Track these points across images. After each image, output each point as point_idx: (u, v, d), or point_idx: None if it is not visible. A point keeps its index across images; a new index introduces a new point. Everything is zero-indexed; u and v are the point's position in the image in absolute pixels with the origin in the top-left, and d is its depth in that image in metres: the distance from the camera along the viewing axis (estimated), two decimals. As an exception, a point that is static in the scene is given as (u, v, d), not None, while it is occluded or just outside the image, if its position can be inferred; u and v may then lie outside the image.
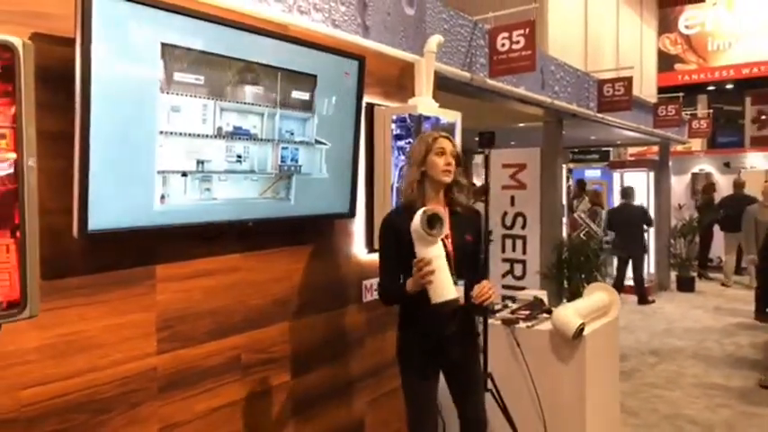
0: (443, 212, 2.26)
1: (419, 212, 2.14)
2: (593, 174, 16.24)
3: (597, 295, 3.67)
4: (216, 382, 2.44)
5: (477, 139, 3.06)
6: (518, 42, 4.02)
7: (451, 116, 3.30)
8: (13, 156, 1.54)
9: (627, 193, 8.65)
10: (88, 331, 2.00)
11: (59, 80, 1.86)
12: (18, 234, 1.57)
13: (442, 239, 2.25)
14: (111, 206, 1.94)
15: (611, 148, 13.64)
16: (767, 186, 7.59)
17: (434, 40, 3.36)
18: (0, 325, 1.58)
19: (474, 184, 10.41)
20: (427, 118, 3.14)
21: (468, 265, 2.41)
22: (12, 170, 1.55)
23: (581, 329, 3.12)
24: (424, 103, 3.18)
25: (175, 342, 2.28)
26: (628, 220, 8.39)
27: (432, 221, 2.10)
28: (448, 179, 2.37)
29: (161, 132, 2.06)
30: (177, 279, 2.28)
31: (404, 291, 2.27)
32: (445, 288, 2.14)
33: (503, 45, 4.10)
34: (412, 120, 3.09)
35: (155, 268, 2.21)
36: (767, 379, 5.04)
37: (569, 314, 3.19)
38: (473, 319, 2.59)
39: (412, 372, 2.43)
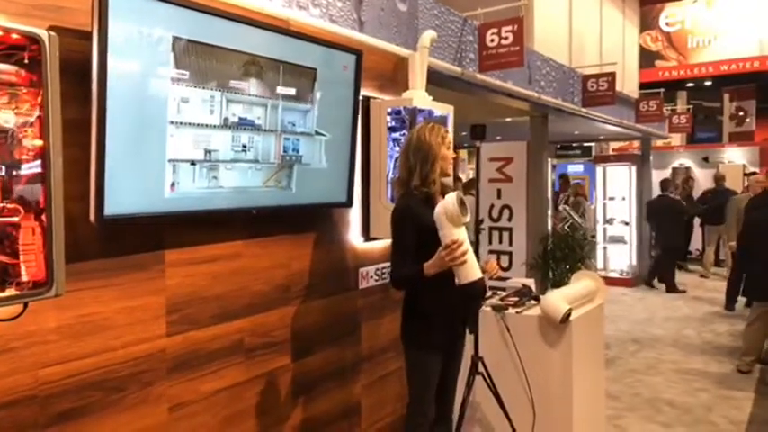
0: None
1: (452, 196, 2.26)
2: (575, 168, 16.52)
3: (584, 282, 3.81)
4: (221, 365, 2.53)
5: (464, 133, 3.19)
6: (507, 38, 4.15)
7: (444, 109, 3.41)
8: (40, 143, 1.63)
9: (664, 185, 8.97)
10: (103, 313, 2.08)
11: (75, 72, 1.92)
12: (43, 217, 1.66)
13: None
14: (125, 193, 2.02)
15: (592, 144, 13.89)
16: (753, 179, 7.85)
17: (428, 36, 3.47)
18: (27, 303, 1.67)
19: (460, 179, 10.56)
20: (421, 111, 3.25)
21: None
22: (38, 157, 1.63)
23: (568, 314, 3.26)
24: (419, 96, 3.29)
25: (184, 325, 2.37)
26: (661, 213, 8.69)
27: (462, 205, 2.23)
28: (451, 170, 2.54)
29: (171, 122, 2.15)
30: (185, 264, 2.37)
31: (420, 274, 2.37)
32: (475, 268, 2.29)
33: (492, 41, 4.22)
34: (407, 112, 3.20)
35: (164, 253, 2.29)
36: (744, 364, 5.25)
37: (557, 299, 3.33)
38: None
39: (418, 346, 2.56)
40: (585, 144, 14.36)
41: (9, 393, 1.85)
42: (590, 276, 3.88)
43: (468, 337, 2.94)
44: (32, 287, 1.64)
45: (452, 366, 2.71)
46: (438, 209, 2.29)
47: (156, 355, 2.26)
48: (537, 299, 3.60)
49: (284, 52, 2.56)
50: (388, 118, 3.23)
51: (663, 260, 8.96)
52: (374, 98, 3.32)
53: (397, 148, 3.26)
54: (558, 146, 15.41)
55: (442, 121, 3.37)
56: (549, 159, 8.09)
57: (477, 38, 4.33)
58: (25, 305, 1.66)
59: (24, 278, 1.61)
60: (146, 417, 2.24)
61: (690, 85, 15.25)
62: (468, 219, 2.28)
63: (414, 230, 2.41)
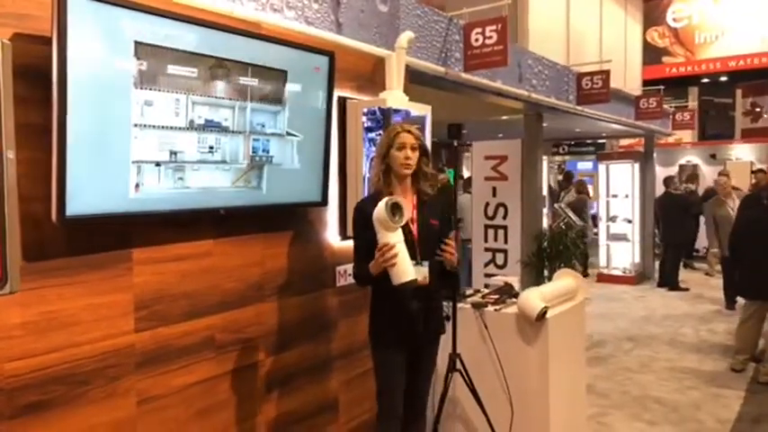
0: (405, 201, 2.44)
1: (382, 202, 2.34)
2: (585, 166, 16.41)
3: (564, 280, 3.83)
4: (191, 360, 2.60)
5: (464, 131, 3.22)
6: (491, 38, 4.17)
7: (421, 109, 3.45)
8: (-6, 146, 1.69)
9: (667, 181, 8.97)
10: (68, 310, 2.15)
11: (41, 77, 1.99)
12: (-1, 218, 1.72)
13: (406, 224, 2.48)
14: (87, 193, 2.09)
15: (605, 141, 13.81)
16: (719, 180, 7.80)
17: (405, 37, 3.50)
18: (-17, 300, 1.74)
19: (461, 177, 10.57)
20: (397, 111, 3.29)
21: (435, 247, 2.59)
22: (-8, 159, 1.70)
23: (544, 312, 3.28)
24: (394, 96, 3.33)
25: (152, 321, 2.44)
26: (667, 209, 8.70)
27: (394, 210, 2.29)
28: (407, 171, 2.58)
29: (135, 125, 2.21)
30: (153, 262, 2.44)
31: (370, 273, 2.47)
32: (406, 270, 2.37)
33: (476, 40, 4.24)
34: (382, 113, 3.24)
35: (131, 252, 2.36)
36: (737, 362, 5.22)
37: (533, 297, 3.35)
38: (438, 298, 2.77)
39: (382, 345, 2.64)
40: (600, 141, 14.29)
41: (-26, 386, 1.93)
42: (571, 275, 3.90)
43: (447, 335, 2.98)
44: (-12, 284, 1.71)
45: (421, 365, 2.73)
46: (374, 213, 2.36)
47: (123, 351, 2.33)
48: (518, 297, 3.62)
49: (253, 55, 2.61)
50: (364, 118, 3.27)
51: (667, 257, 8.92)
52: (351, 99, 3.36)
53: (373, 148, 3.31)
54: (571, 143, 15.35)
55: (420, 121, 3.41)
56: (546, 157, 8.09)
57: (463, 37, 4.35)
58: (-20, 302, 1.74)
59: (-21, 276, 1.69)
60: (114, 410, 2.31)
61: (705, 80, 15.08)
62: (402, 222, 2.35)
63: (364, 228, 2.47)
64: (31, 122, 2.00)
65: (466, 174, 10.53)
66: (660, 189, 9.44)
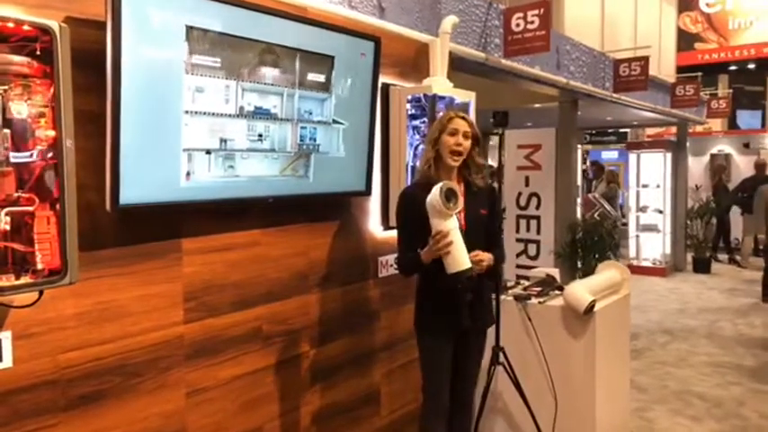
0: (458, 187, 2.35)
1: (436, 187, 2.26)
2: (610, 155, 16.13)
3: (609, 273, 3.73)
4: (239, 351, 2.56)
5: (491, 119, 3.12)
6: (532, 23, 4.05)
7: (466, 96, 3.36)
8: (53, 133, 1.65)
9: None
10: (120, 300, 2.12)
11: (93, 63, 1.94)
12: (58, 207, 1.69)
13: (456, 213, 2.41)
14: (140, 182, 2.05)
15: (628, 130, 13.55)
16: None
17: (449, 21, 3.41)
18: (43, 291, 1.71)
19: (491, 166, 10.45)
20: (441, 98, 3.20)
21: (482, 237, 2.52)
22: (51, 147, 1.66)
23: (592, 306, 3.19)
24: (439, 83, 3.24)
25: (201, 312, 2.40)
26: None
27: (448, 196, 2.21)
28: (455, 161, 2.49)
29: (186, 112, 2.16)
30: (202, 252, 2.39)
31: (420, 260, 2.39)
32: (461, 258, 2.30)
33: (517, 25, 4.12)
34: (426, 99, 3.15)
35: (181, 242, 2.32)
36: (779, 357, 5.09)
37: (581, 290, 3.26)
38: (487, 292, 2.71)
39: (429, 335, 2.59)
40: (621, 130, 14.03)
41: (30, 377, 1.90)
42: (615, 267, 3.79)
43: (490, 328, 2.91)
44: (48, 275, 1.67)
45: (467, 357, 2.68)
46: (427, 199, 2.29)
47: (173, 342, 2.30)
48: (561, 289, 3.53)
49: (301, 40, 2.54)
50: (408, 105, 3.19)
51: None
52: (394, 85, 3.28)
53: (417, 136, 3.23)
54: (593, 132, 15.07)
55: (464, 107, 3.32)
56: (580, 146, 7.92)
57: (503, 22, 4.24)
58: (41, 293, 1.70)
59: (39, 266, 1.65)
60: (164, 402, 2.28)
61: (733, 68, 14.68)
62: (457, 209, 2.27)
63: (411, 215, 2.41)
64: (86, 110, 1.95)
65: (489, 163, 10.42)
66: (693, 179, 9.20)
